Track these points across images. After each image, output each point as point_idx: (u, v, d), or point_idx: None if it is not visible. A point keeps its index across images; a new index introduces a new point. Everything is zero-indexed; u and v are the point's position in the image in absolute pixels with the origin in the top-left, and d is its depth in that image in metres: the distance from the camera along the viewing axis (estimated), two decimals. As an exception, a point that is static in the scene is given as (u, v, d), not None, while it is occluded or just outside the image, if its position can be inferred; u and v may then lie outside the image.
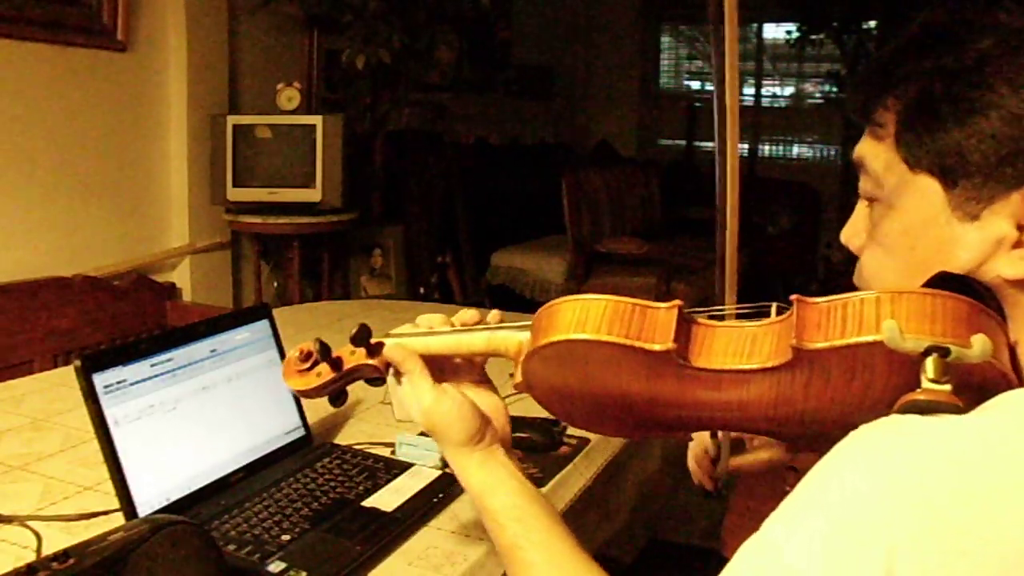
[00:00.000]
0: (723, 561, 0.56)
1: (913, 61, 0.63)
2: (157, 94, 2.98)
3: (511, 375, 0.77)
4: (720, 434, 0.99)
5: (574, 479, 1.22)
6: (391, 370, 0.82)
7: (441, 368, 0.83)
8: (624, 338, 0.65)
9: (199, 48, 3.03)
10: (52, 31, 2.56)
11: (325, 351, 0.84)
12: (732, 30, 0.76)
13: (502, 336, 0.78)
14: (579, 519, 1.21)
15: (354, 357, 0.83)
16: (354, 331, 0.81)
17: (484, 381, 0.86)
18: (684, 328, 0.66)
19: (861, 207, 0.71)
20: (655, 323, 0.66)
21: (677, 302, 0.67)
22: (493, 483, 0.79)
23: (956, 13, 0.63)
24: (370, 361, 0.82)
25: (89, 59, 2.71)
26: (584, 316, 0.67)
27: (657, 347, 0.64)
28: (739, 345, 0.65)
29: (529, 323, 0.74)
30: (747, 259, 4.78)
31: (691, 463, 1.04)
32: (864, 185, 0.68)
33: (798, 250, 5.43)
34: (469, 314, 0.84)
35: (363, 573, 0.95)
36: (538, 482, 1.18)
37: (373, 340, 0.82)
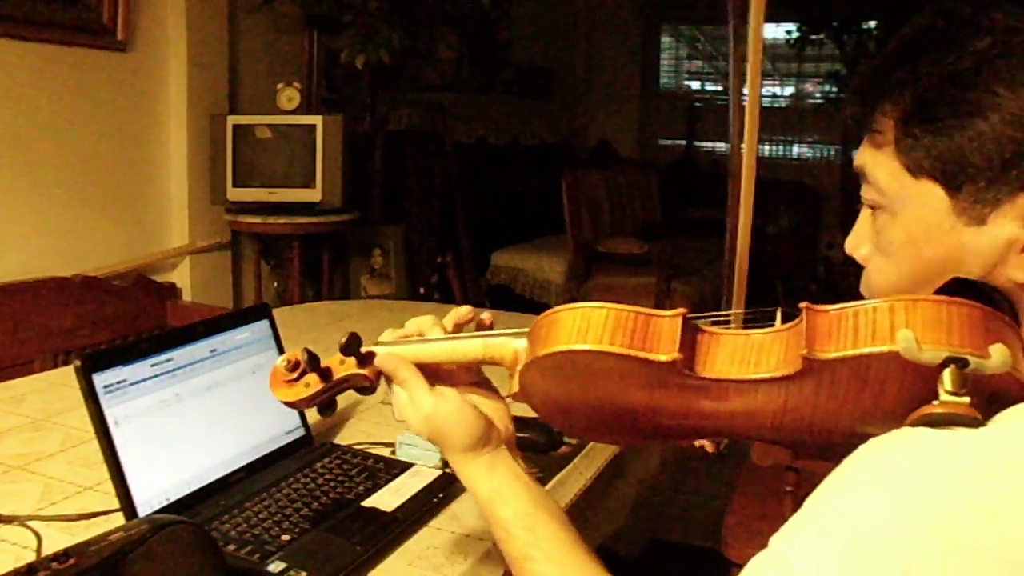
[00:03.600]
0: (723, 561, 0.56)
1: (909, 65, 0.61)
2: (157, 94, 2.98)
3: (509, 386, 0.75)
4: None
5: (574, 479, 1.22)
6: (383, 378, 0.79)
7: (435, 373, 0.79)
8: (628, 348, 0.63)
9: (199, 48, 3.03)
10: (52, 31, 2.56)
11: (314, 361, 0.79)
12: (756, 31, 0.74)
13: (497, 343, 0.75)
14: (579, 519, 1.21)
15: (344, 367, 0.79)
16: (343, 340, 0.77)
17: (482, 383, 0.82)
18: (689, 337, 0.63)
19: (864, 215, 0.68)
20: (659, 332, 0.63)
21: (681, 310, 0.64)
22: (501, 489, 0.76)
23: (952, 14, 0.61)
24: (361, 371, 0.79)
25: (89, 59, 2.71)
26: (585, 325, 0.64)
27: (663, 357, 0.62)
28: (746, 354, 0.62)
29: (525, 330, 0.72)
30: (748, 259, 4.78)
31: None
32: (866, 193, 0.66)
33: (798, 250, 5.43)
34: (463, 311, 0.80)
35: (363, 573, 0.95)
36: (538, 482, 1.18)
37: (364, 349, 0.79)
